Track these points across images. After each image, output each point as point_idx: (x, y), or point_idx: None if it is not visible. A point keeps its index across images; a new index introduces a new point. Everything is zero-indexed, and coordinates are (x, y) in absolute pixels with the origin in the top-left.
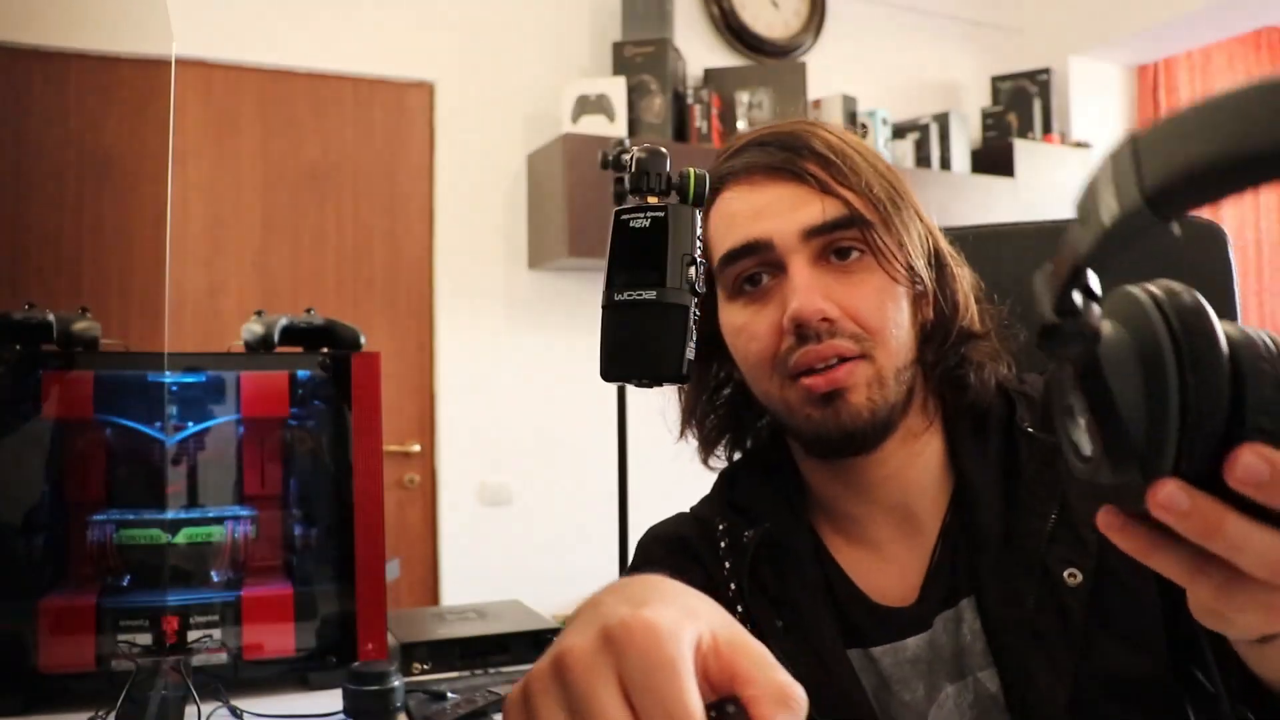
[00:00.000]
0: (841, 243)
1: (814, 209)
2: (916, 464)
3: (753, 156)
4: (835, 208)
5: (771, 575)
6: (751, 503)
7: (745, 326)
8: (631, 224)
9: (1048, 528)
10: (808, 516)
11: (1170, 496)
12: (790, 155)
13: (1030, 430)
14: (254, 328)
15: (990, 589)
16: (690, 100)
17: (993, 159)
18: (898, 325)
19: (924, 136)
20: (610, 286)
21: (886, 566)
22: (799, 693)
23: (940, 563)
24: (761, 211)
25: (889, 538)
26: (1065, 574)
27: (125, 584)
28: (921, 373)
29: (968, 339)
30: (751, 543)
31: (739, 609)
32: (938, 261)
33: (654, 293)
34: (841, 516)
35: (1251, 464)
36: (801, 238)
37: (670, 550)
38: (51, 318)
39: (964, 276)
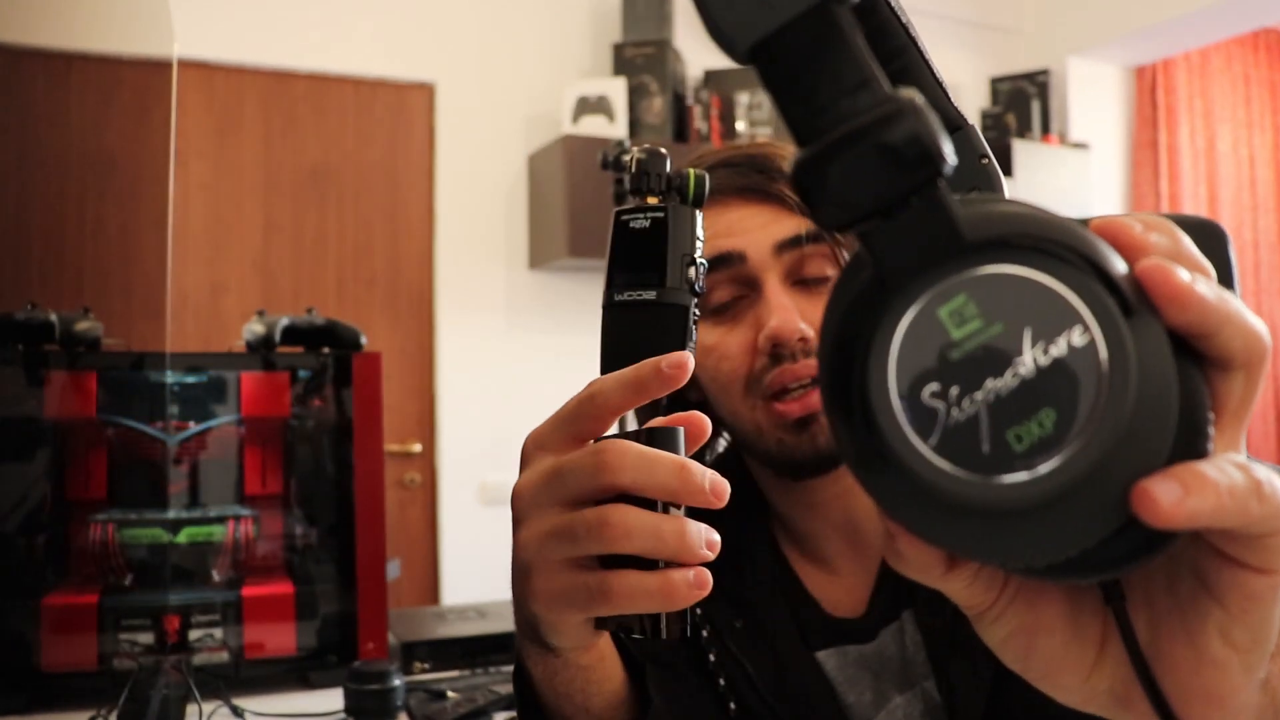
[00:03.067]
0: (812, 262)
1: (787, 224)
2: None
3: (722, 177)
4: (809, 225)
5: (730, 577)
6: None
7: (716, 346)
8: (631, 224)
9: None
10: (768, 527)
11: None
12: (762, 177)
13: None
14: (255, 328)
15: (920, 601)
16: (690, 101)
17: None
18: None
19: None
20: (610, 287)
21: (837, 580)
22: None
23: (885, 577)
24: (733, 227)
25: (839, 553)
26: None
27: (127, 583)
28: None
29: None
30: None
31: (697, 609)
32: None
33: (654, 293)
34: (798, 533)
35: None
36: (774, 252)
37: None
38: (54, 318)
39: None
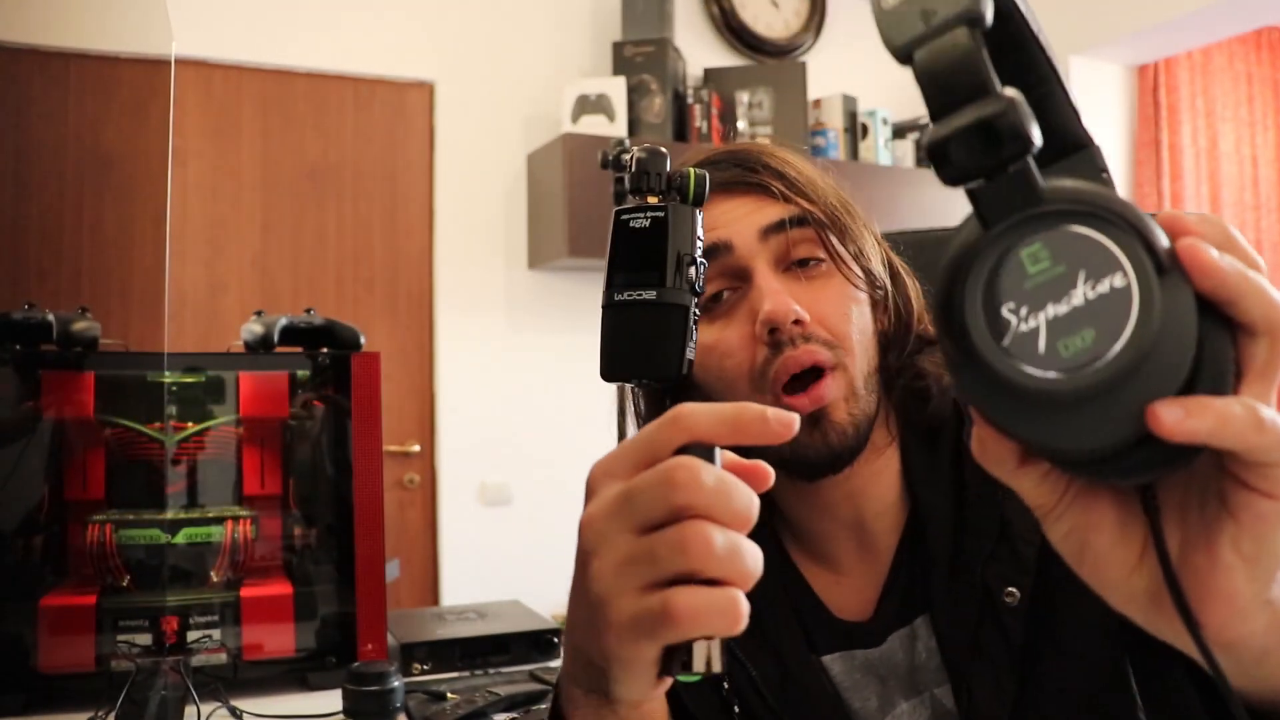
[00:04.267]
0: (800, 247)
1: (771, 211)
2: (879, 483)
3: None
4: (792, 210)
5: None
6: None
7: (717, 343)
8: (631, 224)
9: (988, 546)
10: (774, 528)
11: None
12: (742, 170)
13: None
14: (254, 328)
15: (939, 608)
16: (690, 100)
17: None
18: (862, 331)
19: (924, 136)
20: (610, 286)
21: (844, 581)
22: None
23: (895, 581)
24: (716, 220)
25: (847, 554)
26: (1004, 593)
27: (125, 584)
28: (883, 383)
29: (924, 345)
30: None
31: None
32: (891, 269)
33: (654, 293)
34: (804, 533)
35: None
36: (760, 237)
37: None
38: (51, 317)
39: (914, 285)
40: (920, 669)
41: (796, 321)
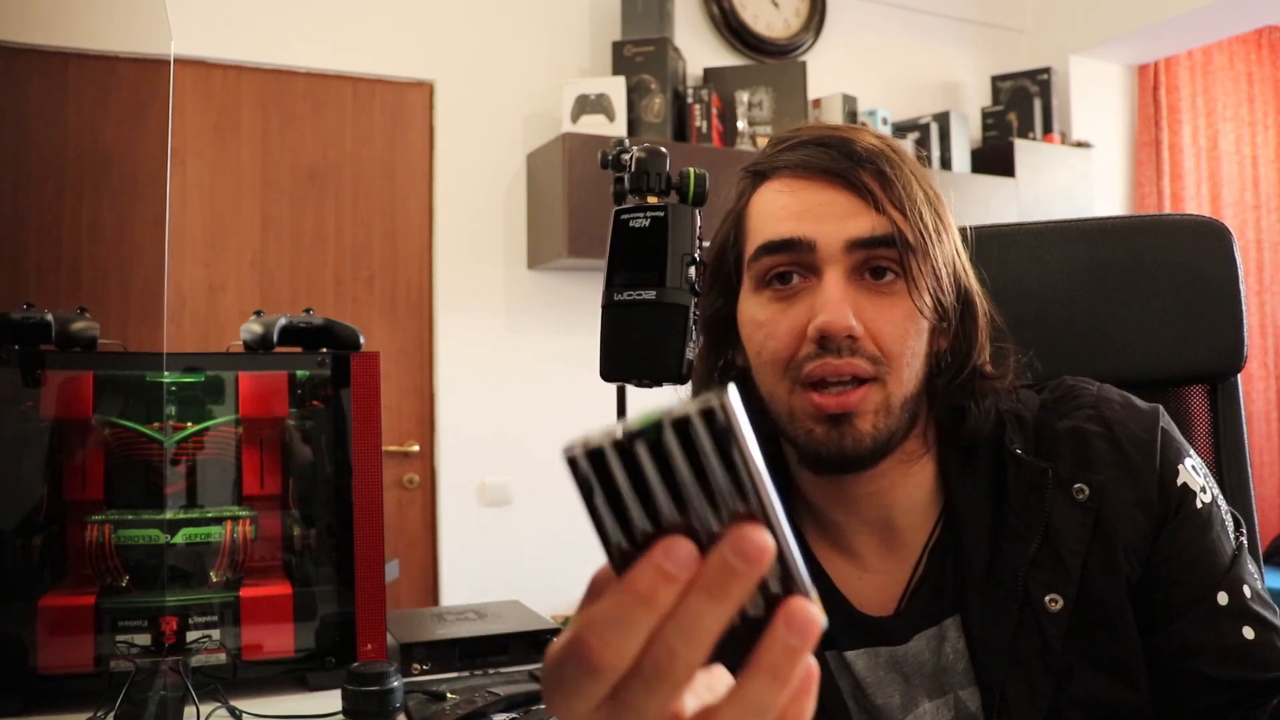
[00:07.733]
0: (879, 261)
1: (863, 222)
2: (907, 484)
3: (810, 154)
4: (884, 225)
5: None
6: None
7: (766, 323)
8: (631, 224)
9: (1031, 552)
10: (795, 517)
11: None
12: (850, 163)
13: (1018, 453)
14: (253, 328)
15: (974, 610)
16: (690, 100)
17: (993, 159)
18: (914, 354)
19: (924, 136)
20: (610, 286)
21: (867, 577)
22: None
23: (924, 580)
24: (810, 211)
25: (870, 550)
26: (1046, 599)
27: (124, 584)
28: (926, 401)
29: (979, 379)
30: None
31: None
32: (965, 298)
33: (654, 293)
34: (826, 523)
35: None
36: (845, 248)
37: None
38: (50, 317)
39: (983, 315)
40: (947, 670)
41: (850, 335)
